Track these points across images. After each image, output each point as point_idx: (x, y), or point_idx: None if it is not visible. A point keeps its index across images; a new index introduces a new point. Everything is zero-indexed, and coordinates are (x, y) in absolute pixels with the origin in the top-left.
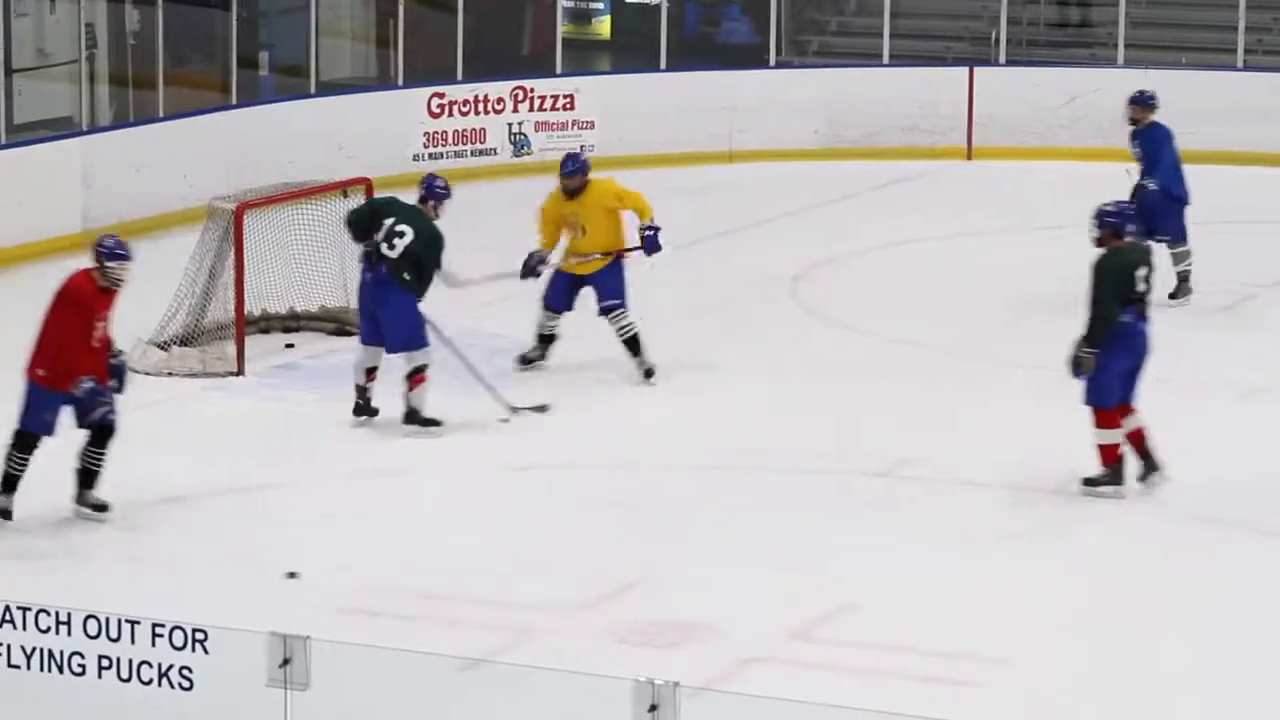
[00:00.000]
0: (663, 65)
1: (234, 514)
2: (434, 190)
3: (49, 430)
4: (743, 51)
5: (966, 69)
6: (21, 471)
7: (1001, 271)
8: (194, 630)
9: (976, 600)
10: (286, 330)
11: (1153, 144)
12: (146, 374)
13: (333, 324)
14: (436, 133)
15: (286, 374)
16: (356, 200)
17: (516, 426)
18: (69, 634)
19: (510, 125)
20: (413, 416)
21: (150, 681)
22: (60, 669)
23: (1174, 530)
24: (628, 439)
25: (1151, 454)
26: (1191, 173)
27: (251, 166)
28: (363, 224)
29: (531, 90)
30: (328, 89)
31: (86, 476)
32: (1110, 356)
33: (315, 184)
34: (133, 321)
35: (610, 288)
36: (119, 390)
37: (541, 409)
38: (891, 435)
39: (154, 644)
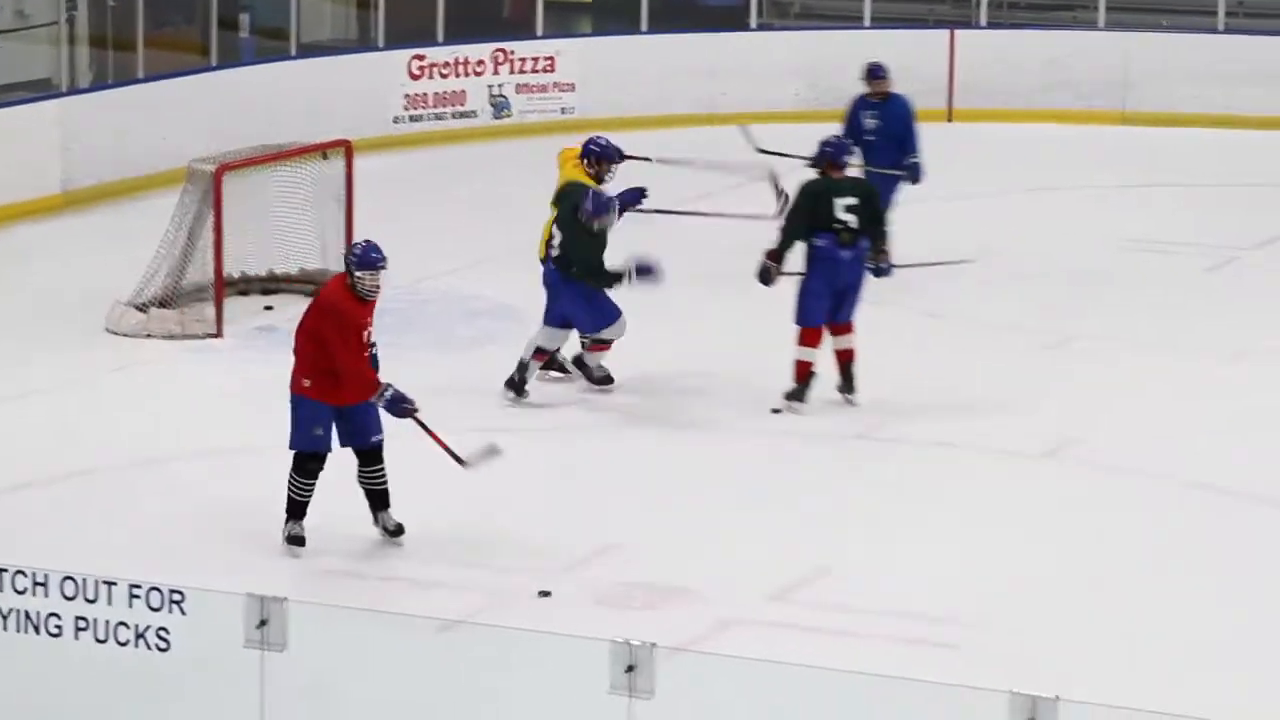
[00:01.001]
0: (644, 27)
1: (212, 476)
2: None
3: (322, 445)
4: (724, 14)
5: (948, 31)
6: (306, 496)
7: (983, 233)
8: (171, 591)
9: (953, 563)
10: (265, 293)
11: (906, 116)
12: (125, 335)
13: (311, 286)
14: (417, 95)
15: (265, 336)
16: (336, 162)
17: (491, 393)
18: (46, 595)
19: (490, 87)
20: (587, 374)
21: (127, 642)
22: (37, 630)
23: (1157, 493)
24: (606, 402)
25: (852, 377)
26: (1176, 136)
27: (231, 128)
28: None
29: (512, 52)
30: (308, 51)
31: (375, 498)
32: (811, 279)
33: (295, 146)
34: (111, 283)
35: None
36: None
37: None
38: (868, 398)
39: (131, 605)
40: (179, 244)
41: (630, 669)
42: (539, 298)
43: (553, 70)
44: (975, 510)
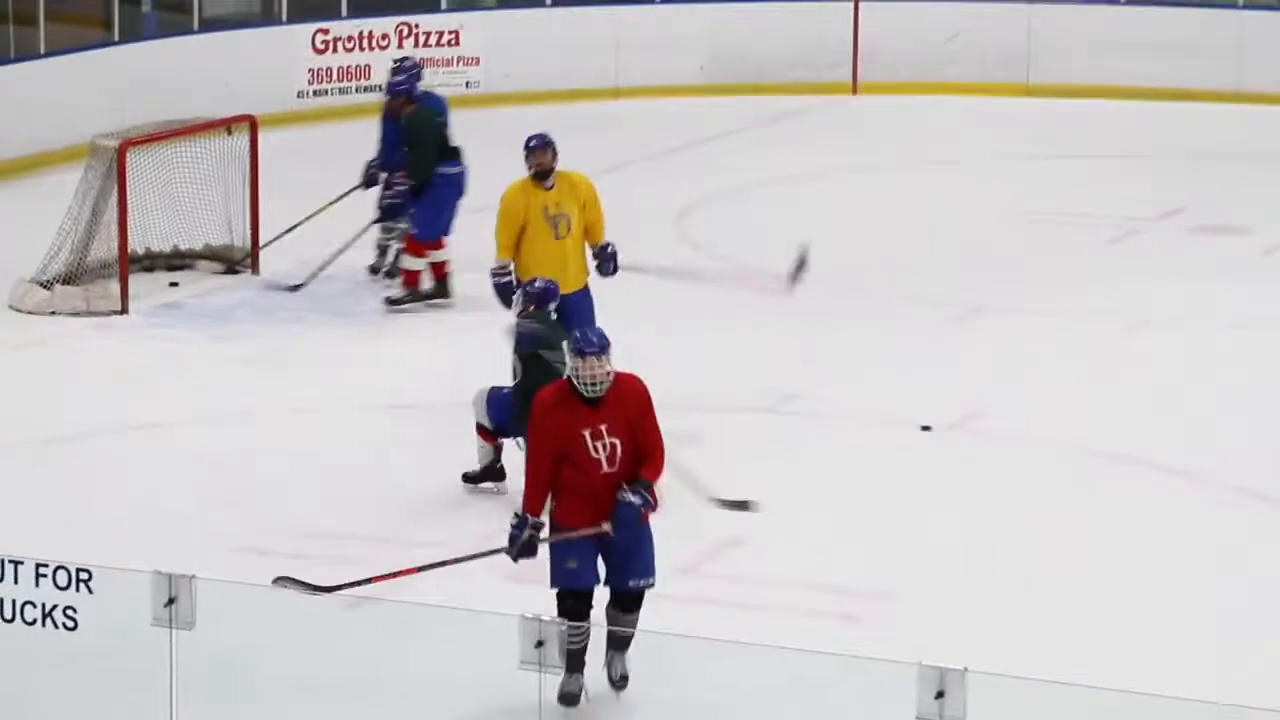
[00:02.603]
0: (548, 1)
1: (119, 453)
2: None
3: (583, 581)
4: None
5: (851, 3)
6: (583, 643)
7: (889, 206)
8: (78, 570)
9: (860, 536)
10: (171, 269)
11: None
12: (30, 313)
13: (216, 261)
14: (321, 69)
15: (171, 312)
16: (241, 138)
17: (400, 363)
18: None
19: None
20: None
21: (34, 621)
22: None
23: (1062, 463)
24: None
25: (449, 284)
26: (1080, 108)
27: (134, 104)
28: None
29: (416, 26)
30: (211, 25)
31: (616, 640)
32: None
33: (199, 121)
34: (14, 259)
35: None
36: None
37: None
38: (780, 371)
39: (38, 584)
40: (83, 220)
41: (540, 644)
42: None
43: (457, 44)
44: (882, 482)
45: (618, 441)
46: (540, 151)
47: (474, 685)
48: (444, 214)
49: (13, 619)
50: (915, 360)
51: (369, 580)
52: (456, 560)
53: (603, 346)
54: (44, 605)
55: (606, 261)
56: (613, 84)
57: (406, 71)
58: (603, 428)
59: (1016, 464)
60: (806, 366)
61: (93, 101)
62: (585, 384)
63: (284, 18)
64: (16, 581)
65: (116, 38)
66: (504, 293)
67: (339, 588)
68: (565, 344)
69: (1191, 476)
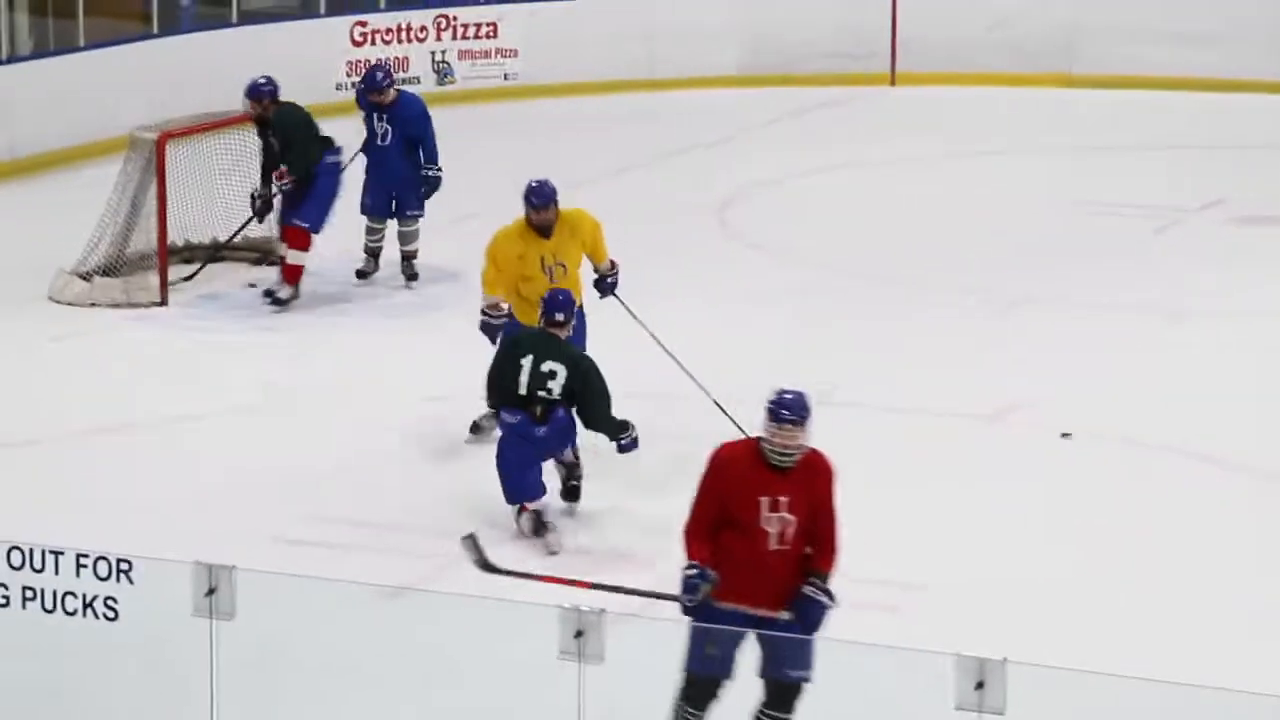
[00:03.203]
0: None
1: (158, 444)
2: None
3: (722, 671)
4: None
5: None
6: None
7: (929, 197)
8: (119, 560)
9: (902, 526)
10: (211, 260)
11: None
12: (69, 304)
13: (255, 254)
14: (359, 61)
15: (209, 304)
16: None
17: (440, 360)
18: None
19: (433, 54)
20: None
21: (75, 612)
22: None
23: (1103, 454)
24: None
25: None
26: (1121, 98)
27: (173, 96)
28: (505, 379)
29: (454, 18)
30: (249, 18)
31: None
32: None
33: (238, 114)
34: (54, 252)
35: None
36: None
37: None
38: (821, 362)
39: (79, 574)
40: (122, 212)
41: (579, 634)
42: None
43: (495, 36)
44: (923, 473)
45: (795, 519)
46: (544, 210)
47: (513, 675)
48: (330, 205)
49: (53, 609)
50: (956, 351)
51: (535, 576)
52: (628, 591)
53: (801, 416)
54: (85, 596)
55: (606, 290)
56: (650, 76)
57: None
58: (783, 500)
59: (1059, 455)
60: (847, 358)
61: (132, 94)
62: (775, 452)
63: (322, 10)
64: (57, 572)
65: (155, 31)
66: (493, 335)
67: (508, 572)
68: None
69: (1234, 466)
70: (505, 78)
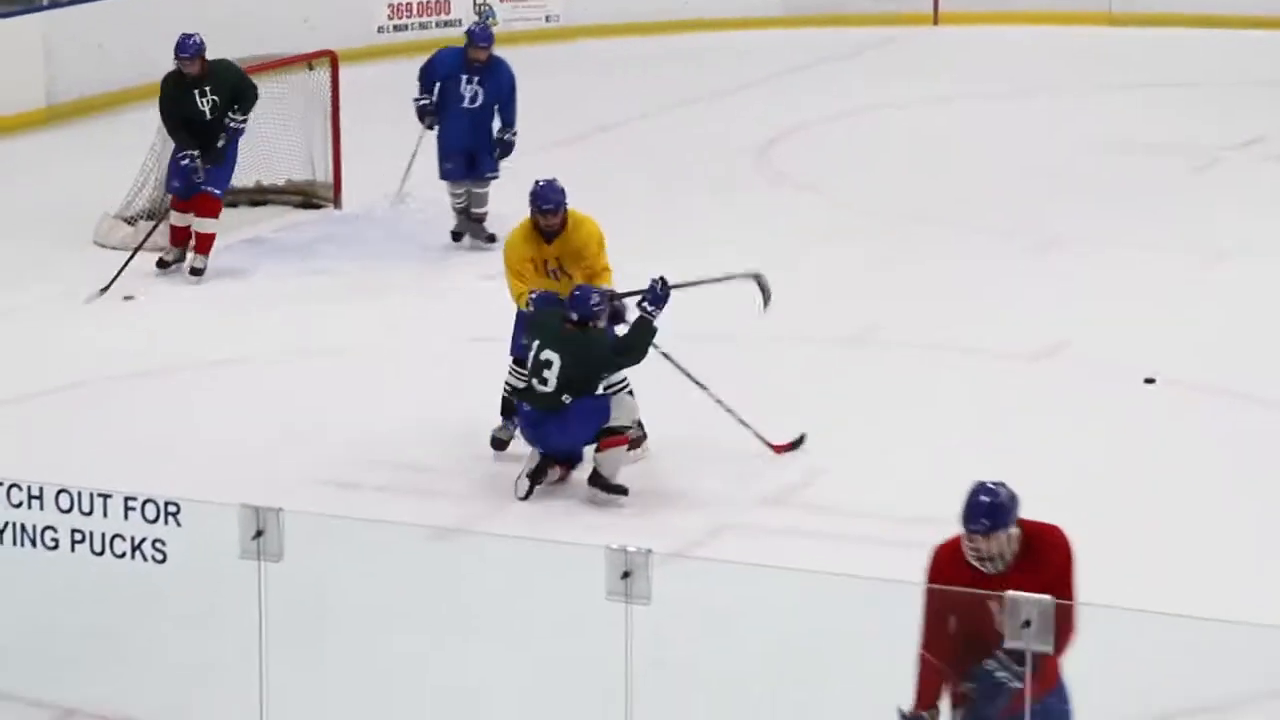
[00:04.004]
0: None
1: (205, 387)
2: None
3: None
4: None
5: None
6: None
7: (970, 137)
8: (166, 503)
9: (943, 465)
10: (253, 204)
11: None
12: (113, 248)
13: (299, 196)
14: (401, 4)
15: (254, 248)
16: (321, 74)
17: (481, 297)
18: (41, 508)
19: None
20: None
21: (124, 555)
22: (34, 543)
23: (1145, 393)
24: None
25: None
26: (1162, 36)
27: (215, 41)
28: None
29: None
30: None
31: None
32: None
33: (279, 57)
34: (98, 196)
35: None
36: None
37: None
38: (865, 302)
39: (126, 517)
40: (165, 157)
41: (626, 575)
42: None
43: None
44: (967, 413)
45: None
46: (550, 215)
47: (560, 617)
48: (233, 170)
49: (102, 552)
50: (998, 291)
51: None
52: None
53: (992, 524)
54: (133, 539)
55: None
56: (691, 16)
57: None
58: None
59: (1099, 394)
60: (890, 297)
61: (173, 39)
62: (974, 559)
63: None
64: (106, 515)
65: None
66: None
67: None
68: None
69: (1273, 404)
70: (546, 19)
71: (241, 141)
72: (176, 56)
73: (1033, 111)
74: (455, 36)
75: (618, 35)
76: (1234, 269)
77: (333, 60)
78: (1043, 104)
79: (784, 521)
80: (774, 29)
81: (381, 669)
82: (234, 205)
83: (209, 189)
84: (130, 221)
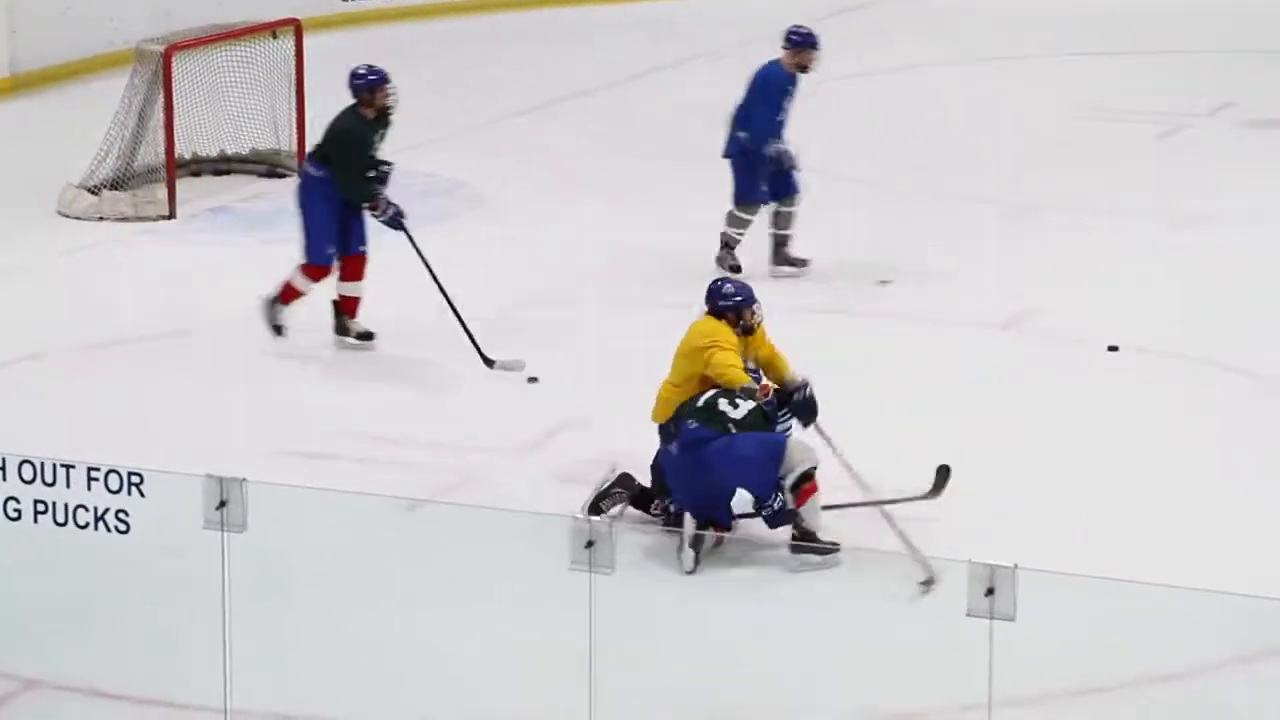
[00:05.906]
0: None
1: (169, 357)
2: None
3: None
4: None
5: None
6: None
7: (941, 104)
8: (129, 474)
9: (911, 434)
10: (218, 173)
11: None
12: (77, 218)
13: (263, 166)
14: None
15: (218, 217)
16: (286, 42)
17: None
18: (4, 479)
19: None
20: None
21: (87, 525)
22: None
23: (1114, 360)
24: (578, 279)
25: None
26: (1126, 2)
27: (179, 8)
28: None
29: None
30: None
31: None
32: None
33: (245, 25)
34: (61, 166)
35: None
36: None
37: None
38: (834, 270)
39: (89, 488)
40: (129, 126)
41: (590, 544)
42: (493, 173)
43: None
44: (935, 381)
45: None
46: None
47: (525, 586)
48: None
49: (65, 523)
50: (965, 258)
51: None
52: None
53: None
54: (96, 509)
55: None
56: None
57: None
58: None
59: (1071, 362)
60: (858, 264)
61: (137, 6)
62: None
63: None
64: (69, 486)
65: None
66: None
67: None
68: None
69: (1246, 373)
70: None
71: (206, 111)
72: (378, 88)
73: (1004, 78)
74: (424, 5)
75: (601, 3)
76: (1201, 234)
77: (297, 28)
78: (1014, 71)
79: None
80: None
81: (345, 639)
82: (198, 175)
83: (364, 248)
84: (94, 191)
